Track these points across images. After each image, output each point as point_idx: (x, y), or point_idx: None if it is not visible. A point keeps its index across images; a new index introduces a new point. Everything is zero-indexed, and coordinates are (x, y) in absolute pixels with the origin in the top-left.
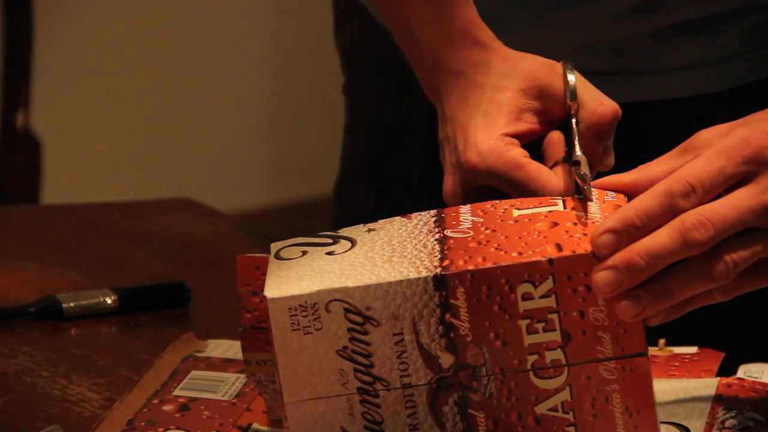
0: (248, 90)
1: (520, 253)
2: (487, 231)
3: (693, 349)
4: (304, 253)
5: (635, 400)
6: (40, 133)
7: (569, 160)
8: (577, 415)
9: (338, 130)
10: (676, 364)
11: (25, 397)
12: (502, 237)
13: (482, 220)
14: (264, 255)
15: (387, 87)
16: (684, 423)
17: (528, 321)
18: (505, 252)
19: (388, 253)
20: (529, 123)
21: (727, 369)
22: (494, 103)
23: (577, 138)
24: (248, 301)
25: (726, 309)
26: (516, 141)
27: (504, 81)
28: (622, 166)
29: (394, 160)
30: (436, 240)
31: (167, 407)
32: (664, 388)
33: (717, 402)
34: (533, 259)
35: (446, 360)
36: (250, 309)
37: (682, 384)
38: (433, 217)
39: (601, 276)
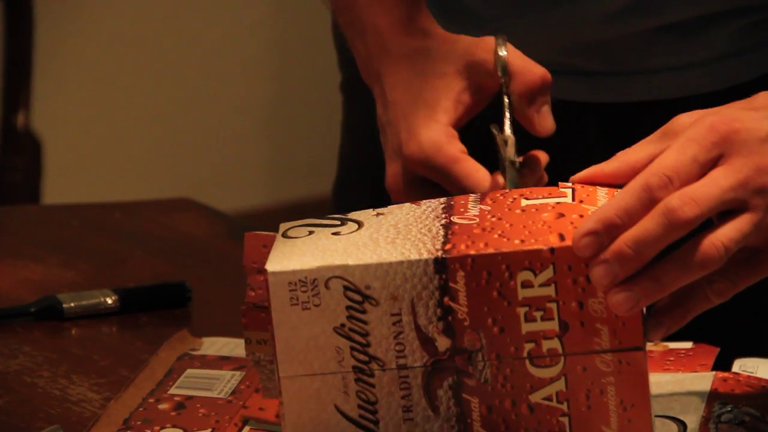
0: (248, 90)
1: (522, 241)
2: (493, 219)
3: (688, 345)
4: (311, 233)
5: (630, 394)
6: (40, 133)
7: (500, 134)
8: (571, 405)
9: (338, 131)
10: (672, 358)
11: (25, 397)
12: (507, 225)
13: (490, 208)
14: (271, 233)
15: None
16: (680, 417)
17: (526, 309)
18: (508, 239)
19: (392, 235)
20: (465, 103)
21: (721, 364)
22: (435, 91)
23: (508, 116)
24: (253, 279)
25: (721, 305)
26: (456, 134)
27: (443, 66)
28: None
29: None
30: (441, 225)
31: (163, 406)
32: (660, 381)
33: (713, 396)
34: (535, 247)
35: (443, 343)
36: (255, 287)
37: (677, 378)
38: (441, 204)
39: (597, 270)
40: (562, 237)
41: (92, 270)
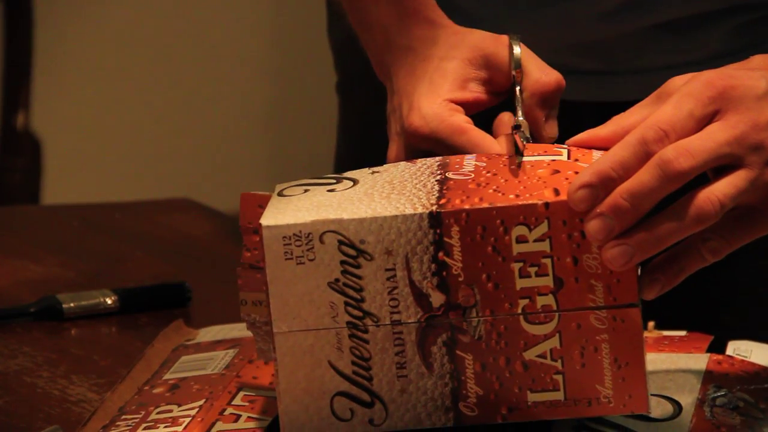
0: (248, 90)
1: (517, 196)
2: (488, 174)
3: (682, 333)
4: (306, 191)
5: (624, 351)
6: (40, 133)
7: (515, 118)
8: (565, 363)
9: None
10: (666, 342)
11: (25, 397)
12: (502, 180)
13: (485, 164)
14: (267, 193)
15: (379, 86)
16: (675, 397)
17: (521, 264)
18: (503, 194)
19: (387, 191)
20: (474, 92)
21: (715, 347)
22: (440, 71)
23: (520, 105)
24: (248, 239)
25: (714, 295)
26: (460, 108)
27: (451, 52)
28: None
29: (386, 159)
30: (436, 181)
31: (157, 390)
32: (655, 360)
33: (707, 378)
34: (529, 201)
35: (437, 299)
36: (250, 247)
37: (672, 358)
38: (437, 161)
39: (592, 224)
40: (557, 192)
41: (92, 270)
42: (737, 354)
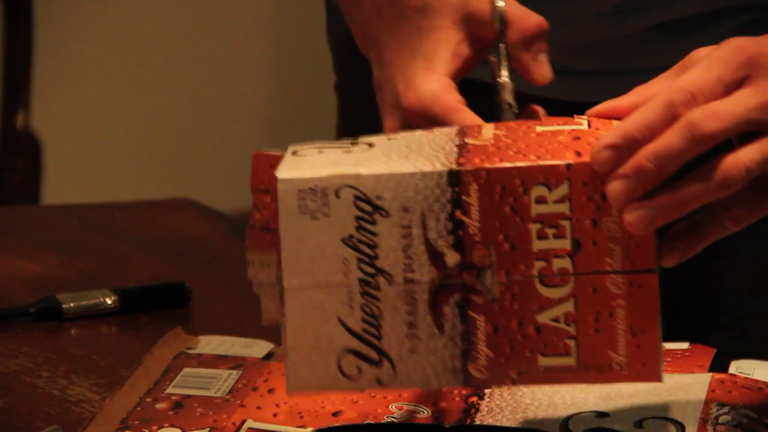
0: (248, 90)
1: (538, 157)
2: (508, 140)
3: (684, 345)
4: (321, 152)
5: (640, 318)
6: (40, 133)
7: (499, 78)
8: (579, 328)
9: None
10: (668, 359)
11: (25, 397)
12: (523, 145)
13: (504, 132)
14: (280, 153)
15: None
16: (678, 419)
17: (539, 225)
18: (524, 155)
19: (405, 152)
20: (463, 55)
21: (717, 366)
22: (432, 44)
23: (505, 64)
24: (259, 200)
25: (715, 306)
26: (454, 85)
27: (440, 20)
28: None
29: None
30: (455, 144)
31: (160, 405)
32: (657, 383)
33: (710, 398)
34: (551, 162)
35: (452, 258)
36: (261, 208)
37: (674, 380)
38: (455, 129)
39: (614, 186)
40: (578, 154)
41: (92, 270)
42: (740, 372)
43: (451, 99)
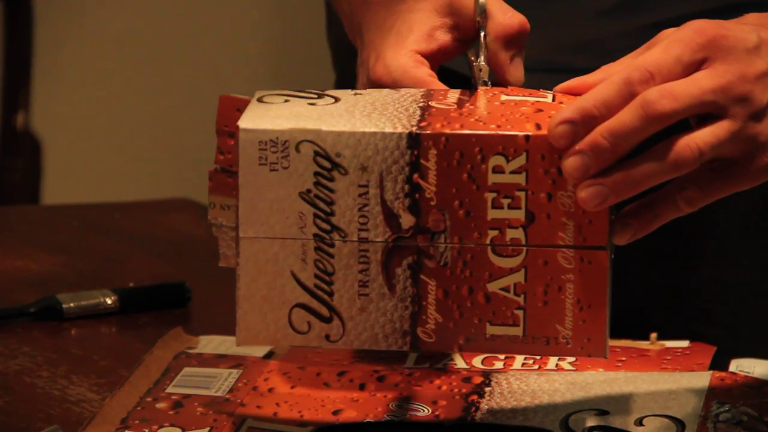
0: (248, 90)
1: (498, 126)
2: (471, 106)
3: (684, 343)
4: (287, 101)
5: (588, 294)
6: (40, 133)
7: (477, 62)
8: (527, 299)
9: None
10: (669, 357)
11: (25, 397)
12: (485, 112)
13: (468, 98)
14: (246, 97)
15: None
16: (678, 416)
17: (495, 195)
18: (484, 123)
19: (369, 110)
20: (440, 41)
21: (718, 364)
22: (407, 23)
23: (483, 51)
24: (223, 143)
25: (715, 305)
26: (425, 60)
27: (418, 4)
28: None
29: None
30: (419, 106)
31: (161, 405)
32: (657, 380)
33: (710, 395)
34: (510, 132)
35: (407, 220)
36: (224, 151)
37: (675, 377)
38: (420, 91)
39: (570, 161)
40: (538, 126)
41: (92, 270)
42: (740, 370)
43: (421, 72)
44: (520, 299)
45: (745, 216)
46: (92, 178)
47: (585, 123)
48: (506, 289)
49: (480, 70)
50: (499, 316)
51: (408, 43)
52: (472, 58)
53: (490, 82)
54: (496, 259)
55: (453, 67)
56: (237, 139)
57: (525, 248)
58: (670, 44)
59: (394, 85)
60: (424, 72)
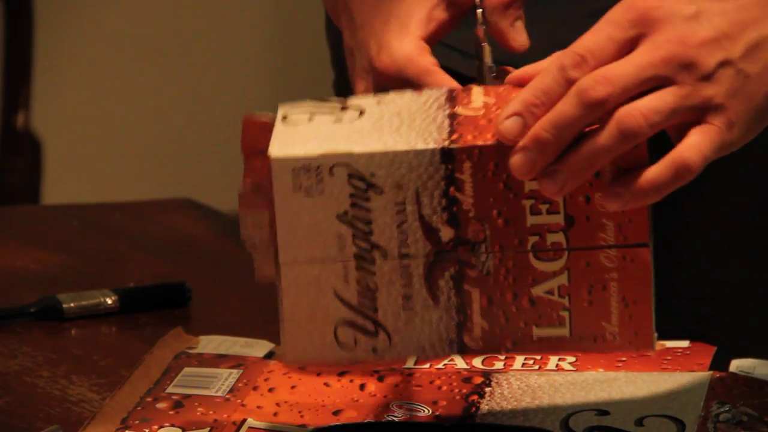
0: (248, 90)
1: None
2: (498, 111)
3: (685, 343)
4: (311, 119)
5: (633, 290)
6: (40, 133)
7: (476, 50)
8: (572, 300)
9: None
10: (669, 358)
11: (25, 397)
12: None
13: (494, 101)
14: (270, 117)
15: None
16: (678, 416)
17: (532, 201)
18: None
19: (397, 124)
20: (438, 19)
21: (718, 365)
22: (407, 7)
23: (483, 28)
24: (250, 165)
25: (713, 305)
26: (428, 48)
27: None
28: None
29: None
30: (446, 115)
31: (161, 405)
32: (658, 380)
33: (711, 396)
34: None
35: (446, 234)
36: (252, 173)
37: (675, 377)
38: (444, 94)
39: (515, 159)
40: None
41: (92, 270)
42: (741, 371)
43: (426, 61)
44: (565, 301)
45: (741, 215)
46: (92, 178)
47: (530, 113)
48: (550, 292)
49: (484, 50)
50: (544, 318)
51: (411, 30)
52: (478, 36)
53: (495, 66)
54: (539, 264)
55: (452, 66)
56: (269, 168)
57: (566, 251)
58: (601, 25)
59: (399, 73)
60: (429, 61)
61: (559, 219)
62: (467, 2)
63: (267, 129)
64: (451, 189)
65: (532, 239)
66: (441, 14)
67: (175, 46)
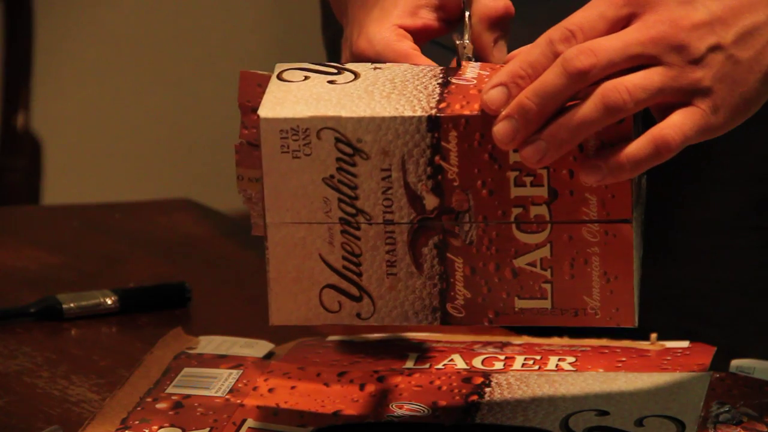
0: None
1: None
2: None
3: (684, 344)
4: (306, 78)
5: (614, 266)
6: (40, 133)
7: (461, 40)
8: (554, 273)
9: None
10: (669, 358)
11: (25, 397)
12: None
13: (488, 73)
14: (267, 73)
15: None
16: (678, 417)
17: (517, 173)
18: None
19: (388, 90)
20: (425, 19)
21: (717, 365)
22: (392, 0)
23: (468, 31)
24: (247, 117)
25: (711, 304)
26: (408, 35)
27: None
28: None
29: None
30: (438, 83)
31: (161, 405)
32: (657, 380)
33: (710, 396)
34: None
35: (431, 202)
36: (248, 125)
37: (675, 378)
38: (440, 66)
39: (498, 128)
40: None
41: (92, 270)
42: (740, 371)
43: (404, 45)
44: (547, 273)
45: (739, 215)
46: (92, 178)
47: (515, 84)
48: (533, 264)
49: (464, 47)
50: (527, 290)
51: (392, 18)
52: (456, 36)
53: (474, 58)
54: (522, 236)
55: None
56: (258, 127)
57: (549, 224)
58: (594, 2)
59: (377, 58)
60: (407, 45)
61: (542, 192)
62: (456, 9)
63: (263, 84)
64: (437, 157)
65: (516, 211)
66: (428, 15)
67: (175, 45)
